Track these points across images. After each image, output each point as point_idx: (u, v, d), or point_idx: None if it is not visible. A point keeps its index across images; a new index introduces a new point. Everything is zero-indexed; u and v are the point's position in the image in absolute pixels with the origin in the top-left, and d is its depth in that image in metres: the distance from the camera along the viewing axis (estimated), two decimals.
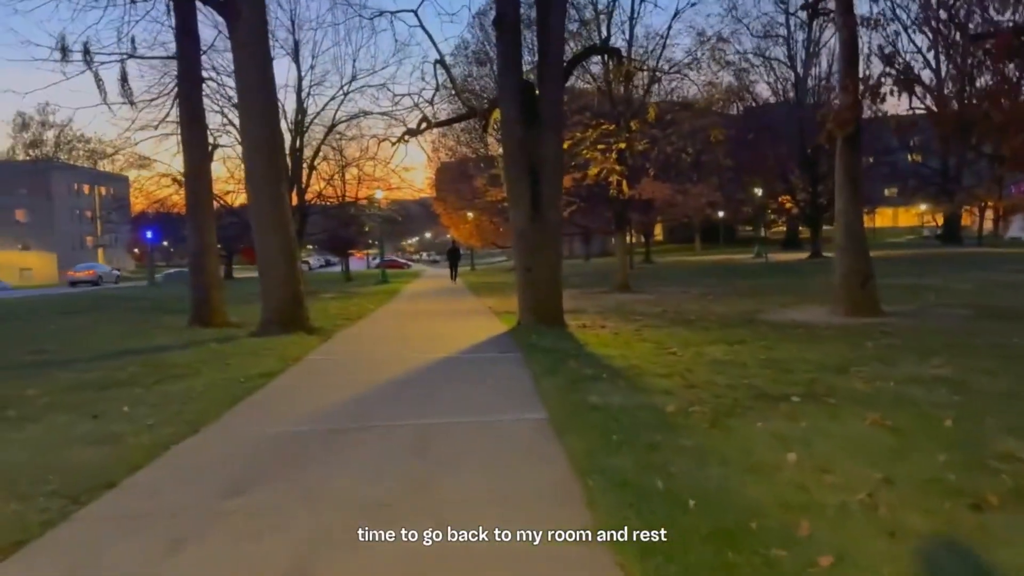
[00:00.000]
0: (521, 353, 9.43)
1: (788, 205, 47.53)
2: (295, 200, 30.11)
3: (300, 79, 30.45)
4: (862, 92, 12.64)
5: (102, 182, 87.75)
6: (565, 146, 13.31)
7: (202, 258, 15.12)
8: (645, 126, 15.59)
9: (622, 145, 13.91)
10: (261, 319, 12.32)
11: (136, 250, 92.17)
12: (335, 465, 4.79)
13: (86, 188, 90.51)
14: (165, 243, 72.56)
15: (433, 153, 40.07)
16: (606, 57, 16.77)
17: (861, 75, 13.26)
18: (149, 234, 47.19)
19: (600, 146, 14.18)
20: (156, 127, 21.58)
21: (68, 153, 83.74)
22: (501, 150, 15.79)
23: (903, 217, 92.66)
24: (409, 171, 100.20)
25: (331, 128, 31.09)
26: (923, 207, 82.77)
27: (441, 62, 16.17)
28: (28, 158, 77.45)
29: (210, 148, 16.52)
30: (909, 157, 59.47)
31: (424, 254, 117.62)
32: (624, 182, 15.95)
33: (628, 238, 24.27)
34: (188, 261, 15.53)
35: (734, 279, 27.60)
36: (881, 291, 13.91)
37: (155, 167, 30.30)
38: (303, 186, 30.36)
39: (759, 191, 46.18)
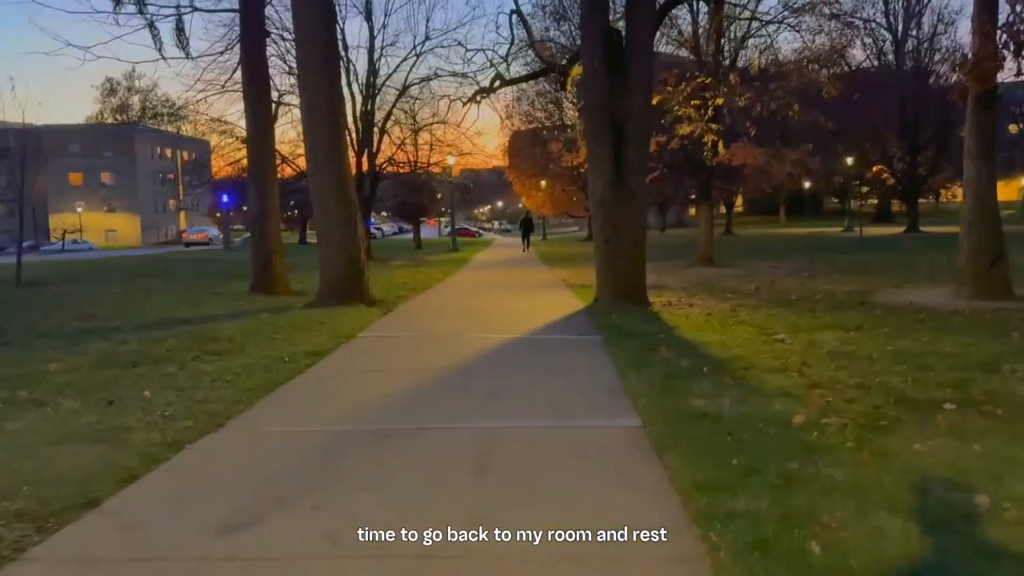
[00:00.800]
0: (601, 336, 8.25)
1: (884, 176, 44.42)
2: (365, 165, 29.45)
3: (372, 38, 29.53)
4: (1005, 40, 10.81)
5: (184, 146, 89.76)
6: (654, 102, 11.90)
7: (264, 222, 14.41)
8: (742, 85, 13.94)
9: (720, 100, 12.41)
10: (319, 289, 11.48)
11: (218, 214, 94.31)
12: (374, 486, 3.74)
13: (168, 152, 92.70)
14: (245, 208, 73.75)
15: (507, 119, 38.84)
16: (696, 5, 15.18)
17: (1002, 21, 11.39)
18: (225, 198, 47.57)
19: (694, 102, 12.71)
20: (223, 86, 20.93)
21: (153, 118, 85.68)
22: (580, 109, 14.51)
23: (1001, 191, 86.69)
24: (481, 136, 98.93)
25: (403, 90, 30.14)
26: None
27: (517, 11, 14.87)
28: (115, 122, 79.50)
29: (274, 107, 15.71)
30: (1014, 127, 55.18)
31: (496, 223, 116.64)
32: (720, 143, 14.39)
33: (712, 208, 22.61)
34: (249, 226, 14.82)
35: (829, 254, 25.60)
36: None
37: (234, 130, 29.84)
38: (374, 151, 29.60)
39: (852, 160, 43.17)
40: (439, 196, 49.05)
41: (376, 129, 30.06)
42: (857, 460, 4.04)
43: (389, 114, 30.27)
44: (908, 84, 42.42)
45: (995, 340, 7.82)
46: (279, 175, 30.63)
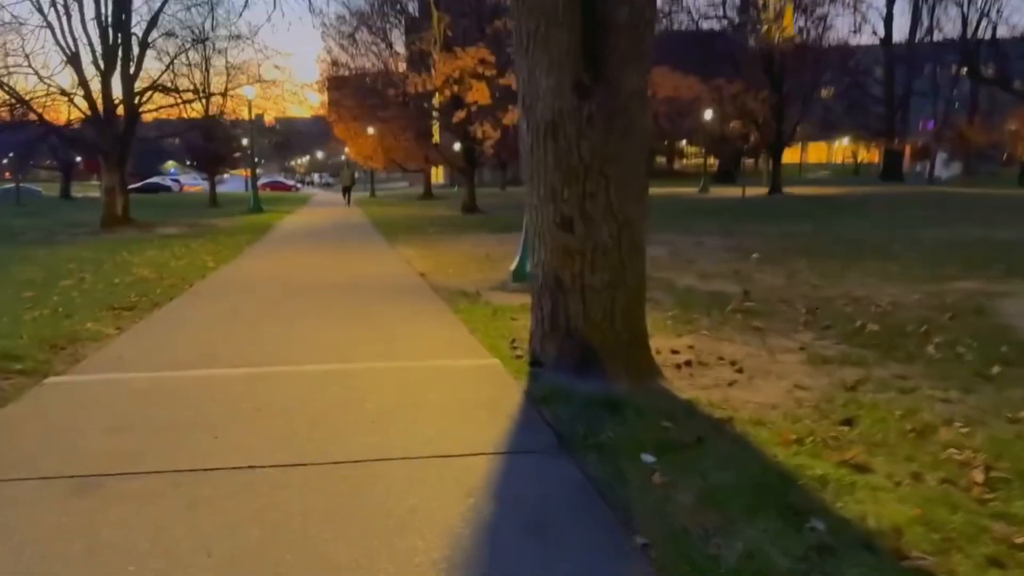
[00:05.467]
0: None
1: (743, 131, 40.82)
2: (119, 92, 20.73)
3: None
4: None
5: None
6: None
7: None
8: None
9: None
10: None
11: None
12: None
13: None
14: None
15: (325, 39, 30.92)
16: None
17: None
18: None
19: None
20: None
21: None
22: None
23: (813, 153, 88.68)
24: (288, 57, 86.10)
25: None
26: (843, 142, 78.88)
27: None
28: None
29: None
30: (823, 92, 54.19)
31: (316, 176, 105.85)
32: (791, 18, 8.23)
33: None
34: None
35: (736, 222, 20.57)
36: None
37: None
38: (130, 72, 20.78)
39: (710, 113, 39.06)
40: (242, 142, 40.01)
41: (136, 41, 21.30)
42: None
43: (155, 19, 21.55)
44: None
45: None
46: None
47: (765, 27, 31.94)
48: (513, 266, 8.75)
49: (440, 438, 3.59)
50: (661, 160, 78.32)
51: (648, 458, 3.28)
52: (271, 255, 13.42)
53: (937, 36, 51.88)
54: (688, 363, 5.24)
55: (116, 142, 20.29)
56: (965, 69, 45.20)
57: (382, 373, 4.86)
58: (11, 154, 46.98)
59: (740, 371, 5.09)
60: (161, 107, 23.06)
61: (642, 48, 4.72)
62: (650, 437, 3.52)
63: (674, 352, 5.53)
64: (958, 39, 46.84)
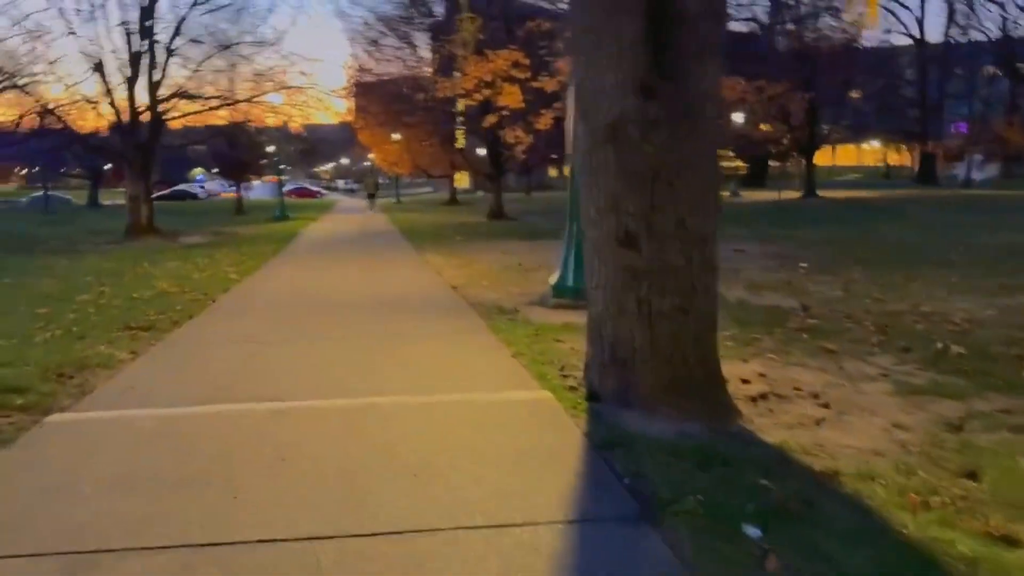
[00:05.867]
0: None
1: (776, 134, 39.78)
2: (144, 99, 20.49)
3: None
4: None
5: None
6: None
7: None
8: None
9: None
10: None
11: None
12: None
13: None
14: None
15: (352, 45, 30.66)
16: None
17: None
18: None
19: None
20: None
21: None
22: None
23: (842, 156, 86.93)
24: (314, 63, 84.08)
25: None
26: (873, 145, 77.23)
27: None
28: None
29: None
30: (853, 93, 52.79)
31: (341, 182, 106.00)
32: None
33: None
34: None
35: (771, 227, 19.87)
36: None
37: None
38: (152, 80, 20.50)
39: (741, 116, 38.00)
40: (268, 149, 39.79)
41: (164, 48, 21.04)
42: None
43: (179, 28, 21.29)
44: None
45: None
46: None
47: (851, 19, 31.19)
48: (553, 279, 8.19)
49: (494, 499, 3.04)
50: None
51: (753, 531, 2.70)
52: (296, 266, 12.98)
53: (974, 35, 50.55)
54: (764, 396, 4.64)
55: (139, 150, 20.04)
56: (1002, 69, 43.90)
57: (421, 409, 4.32)
58: (41, 163, 47.22)
59: (825, 405, 4.49)
60: (187, 114, 22.77)
61: (714, 43, 4.16)
62: (748, 500, 2.95)
63: (744, 381, 4.94)
64: (997, 38, 45.52)
